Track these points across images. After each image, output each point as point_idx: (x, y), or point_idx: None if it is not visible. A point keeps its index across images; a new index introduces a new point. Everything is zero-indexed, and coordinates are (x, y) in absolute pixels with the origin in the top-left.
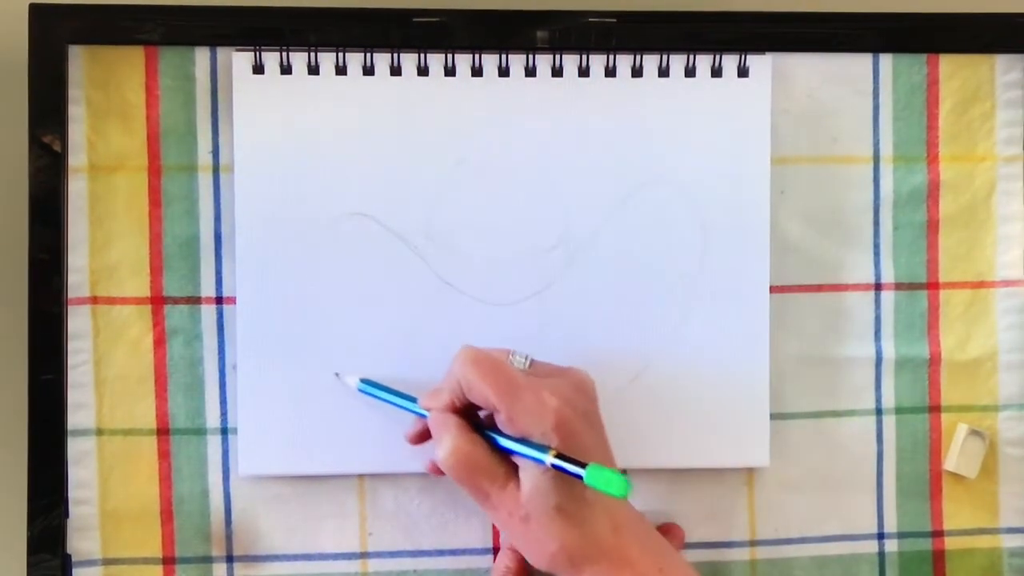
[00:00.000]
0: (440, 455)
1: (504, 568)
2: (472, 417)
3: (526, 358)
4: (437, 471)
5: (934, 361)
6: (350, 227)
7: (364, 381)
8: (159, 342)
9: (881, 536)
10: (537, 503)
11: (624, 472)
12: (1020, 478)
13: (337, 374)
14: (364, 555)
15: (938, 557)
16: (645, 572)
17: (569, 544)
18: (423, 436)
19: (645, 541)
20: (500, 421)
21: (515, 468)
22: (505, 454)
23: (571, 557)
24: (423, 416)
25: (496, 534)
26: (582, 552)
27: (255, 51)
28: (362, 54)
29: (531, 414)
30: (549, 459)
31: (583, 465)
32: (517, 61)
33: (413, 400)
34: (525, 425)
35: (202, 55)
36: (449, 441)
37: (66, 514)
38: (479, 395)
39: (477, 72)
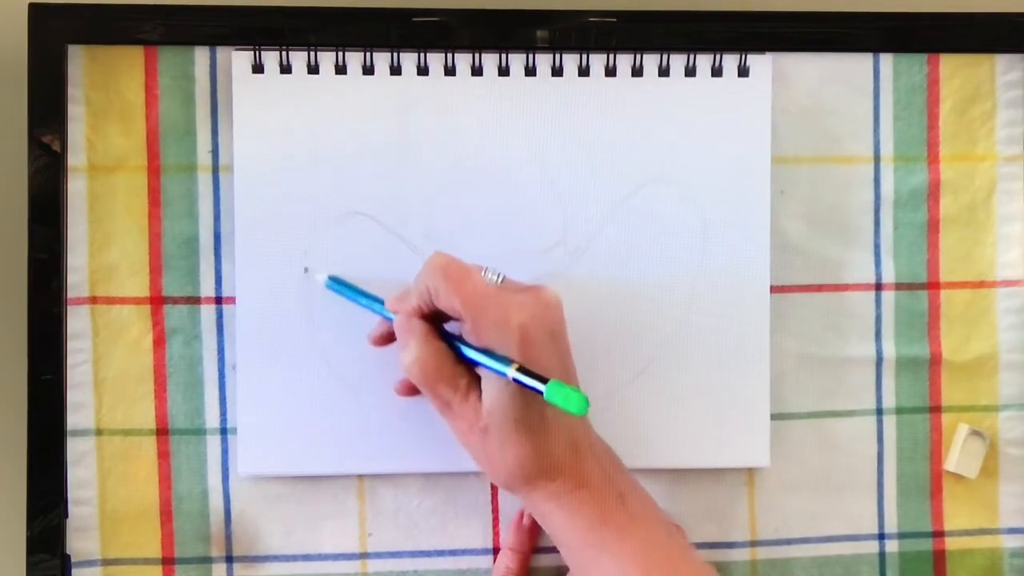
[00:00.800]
0: (404, 360)
1: (504, 569)
2: (438, 324)
3: (498, 275)
4: (406, 390)
5: (934, 361)
6: (350, 227)
7: (332, 278)
8: (158, 342)
9: (881, 536)
10: (497, 416)
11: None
12: (1020, 478)
13: (306, 269)
14: (364, 555)
15: (938, 557)
16: (603, 493)
17: (525, 458)
18: (387, 339)
19: (604, 464)
20: (465, 331)
21: (478, 379)
22: (469, 364)
23: (526, 472)
24: (389, 319)
25: (496, 534)
26: (537, 467)
27: (254, 51)
28: (362, 54)
29: (496, 326)
30: (511, 372)
31: (544, 380)
32: (517, 61)
33: (380, 302)
34: (490, 337)
35: (201, 55)
36: (414, 347)
37: (65, 514)
38: (446, 303)
39: (477, 72)
